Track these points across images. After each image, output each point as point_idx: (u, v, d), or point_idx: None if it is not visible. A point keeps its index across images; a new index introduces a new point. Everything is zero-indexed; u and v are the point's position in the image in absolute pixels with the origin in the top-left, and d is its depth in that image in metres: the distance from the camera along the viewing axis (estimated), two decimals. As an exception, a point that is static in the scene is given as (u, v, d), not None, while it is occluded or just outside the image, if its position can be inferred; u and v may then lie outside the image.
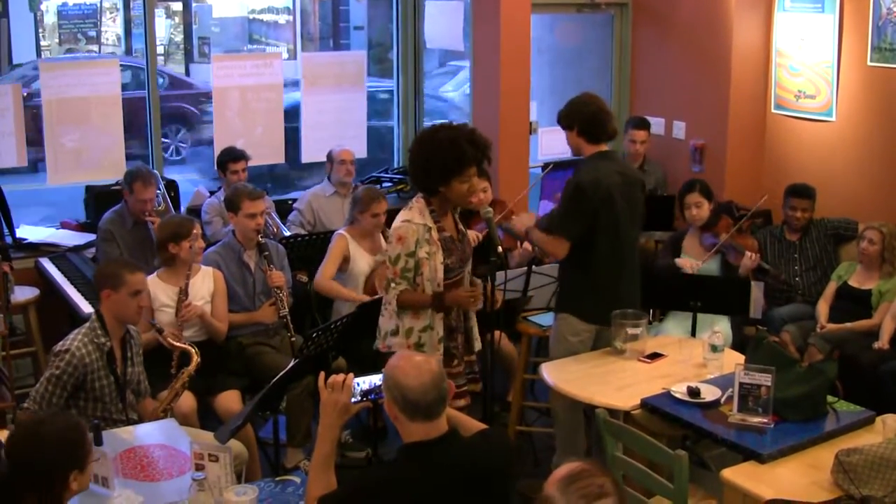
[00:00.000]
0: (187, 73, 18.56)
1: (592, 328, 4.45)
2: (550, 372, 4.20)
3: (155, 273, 4.66)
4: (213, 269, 4.77)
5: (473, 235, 5.04)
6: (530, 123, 6.78)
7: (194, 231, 4.62)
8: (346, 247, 5.17)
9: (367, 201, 5.17)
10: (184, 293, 4.57)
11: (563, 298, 4.56)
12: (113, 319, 3.86)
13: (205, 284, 4.70)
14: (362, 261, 5.19)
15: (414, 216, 3.92)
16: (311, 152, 6.85)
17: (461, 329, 4.07)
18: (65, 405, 3.73)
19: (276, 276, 4.88)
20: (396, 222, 3.95)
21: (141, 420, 3.94)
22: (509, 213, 5.72)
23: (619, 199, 4.36)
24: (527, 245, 5.32)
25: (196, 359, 4.11)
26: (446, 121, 4.13)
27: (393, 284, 3.93)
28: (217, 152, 6.06)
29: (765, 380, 3.53)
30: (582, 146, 4.44)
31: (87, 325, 3.86)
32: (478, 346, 4.16)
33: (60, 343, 3.80)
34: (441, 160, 3.83)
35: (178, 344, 4.22)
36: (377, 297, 4.70)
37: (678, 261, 5.35)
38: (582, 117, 4.40)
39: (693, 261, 5.31)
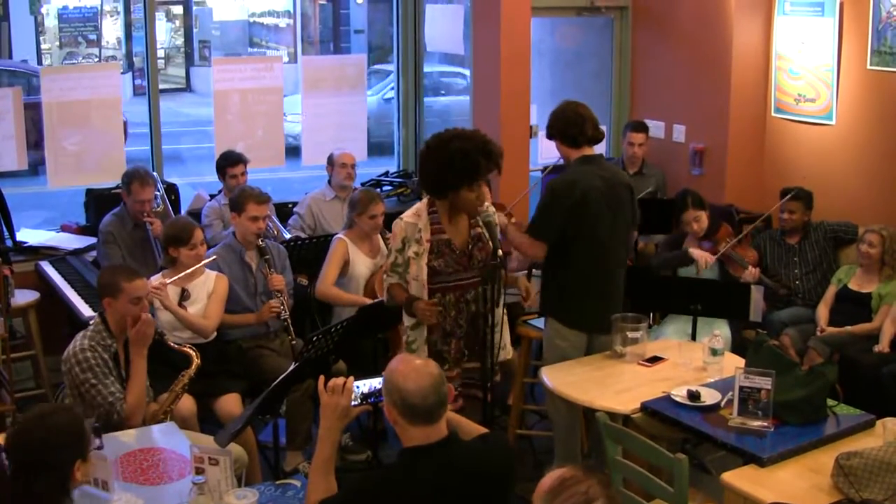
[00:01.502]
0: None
1: (581, 333, 4.40)
2: (550, 375, 4.18)
3: (160, 273, 4.67)
4: (216, 274, 4.77)
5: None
6: (530, 127, 6.78)
7: (193, 239, 4.61)
8: (346, 251, 5.15)
9: (364, 203, 5.15)
10: (186, 296, 4.60)
11: (545, 302, 4.50)
12: (116, 325, 3.87)
13: (205, 288, 4.71)
14: (362, 264, 5.18)
15: (407, 215, 3.98)
16: (311, 156, 6.86)
17: (459, 335, 4.03)
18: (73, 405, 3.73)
19: (277, 280, 4.87)
20: None
21: (142, 423, 3.94)
22: (508, 216, 5.72)
23: (599, 203, 4.28)
24: None
25: (196, 361, 4.11)
26: (458, 127, 4.02)
27: (385, 276, 4.05)
28: (217, 156, 6.06)
29: (765, 383, 3.53)
30: (567, 153, 4.41)
31: (91, 328, 3.87)
32: (504, 354, 4.15)
33: (69, 349, 3.82)
34: (452, 172, 3.81)
35: (177, 346, 4.22)
36: (378, 300, 4.70)
37: (692, 251, 5.32)
38: (559, 125, 4.38)
39: (707, 254, 5.30)
